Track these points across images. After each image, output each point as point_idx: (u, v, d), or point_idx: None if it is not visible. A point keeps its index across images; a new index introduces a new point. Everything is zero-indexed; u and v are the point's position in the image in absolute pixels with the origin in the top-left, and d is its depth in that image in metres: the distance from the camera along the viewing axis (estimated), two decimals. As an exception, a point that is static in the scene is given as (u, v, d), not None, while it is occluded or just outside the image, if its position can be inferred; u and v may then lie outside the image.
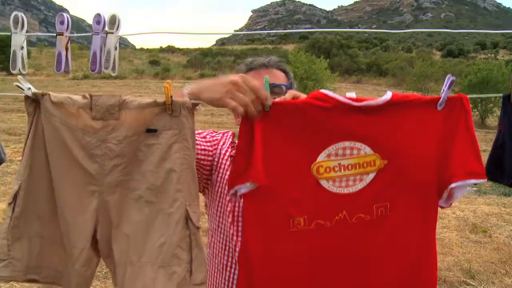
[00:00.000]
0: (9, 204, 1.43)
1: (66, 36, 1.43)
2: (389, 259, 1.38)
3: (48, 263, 1.47)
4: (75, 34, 1.52)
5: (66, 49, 1.44)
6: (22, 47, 1.44)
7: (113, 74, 1.49)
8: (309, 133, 1.34)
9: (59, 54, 1.43)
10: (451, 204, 1.43)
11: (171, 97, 1.34)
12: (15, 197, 1.42)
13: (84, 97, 1.39)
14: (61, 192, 1.40)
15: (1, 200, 6.57)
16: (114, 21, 1.41)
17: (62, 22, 1.41)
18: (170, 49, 78.81)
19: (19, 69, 1.44)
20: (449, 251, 5.40)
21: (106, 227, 1.40)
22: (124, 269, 1.37)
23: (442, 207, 1.43)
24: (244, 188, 1.29)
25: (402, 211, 1.38)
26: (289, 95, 1.36)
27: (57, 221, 1.43)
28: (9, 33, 1.44)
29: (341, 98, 1.33)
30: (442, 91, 1.37)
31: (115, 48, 1.44)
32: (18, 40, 1.43)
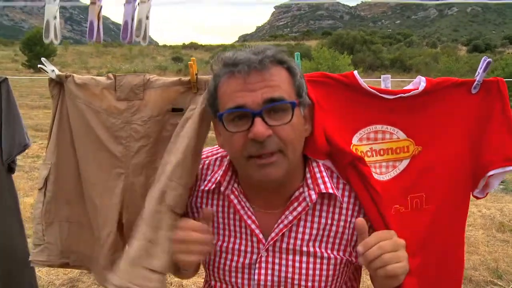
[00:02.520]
0: (40, 189, 1.44)
1: (98, 6, 1.44)
2: (421, 253, 1.34)
3: (76, 248, 1.48)
4: (108, 4, 1.52)
5: (98, 18, 1.44)
6: (55, 17, 1.45)
7: (144, 44, 1.47)
8: (343, 114, 1.30)
9: (91, 23, 1.43)
10: (487, 194, 1.38)
11: (196, 74, 1.31)
12: (45, 182, 1.44)
13: (108, 77, 1.40)
14: (87, 175, 1.40)
15: (28, 194, 6.70)
16: None
17: None
18: (193, 46, 79.39)
19: (52, 39, 1.45)
20: (475, 250, 5.28)
21: (131, 210, 1.39)
22: None
23: (477, 198, 1.38)
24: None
25: (438, 204, 1.33)
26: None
27: (84, 205, 1.44)
28: (43, 3, 1.46)
29: (375, 92, 1.31)
30: (477, 73, 1.32)
31: (147, 18, 1.43)
32: (52, 10, 1.44)
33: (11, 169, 1.80)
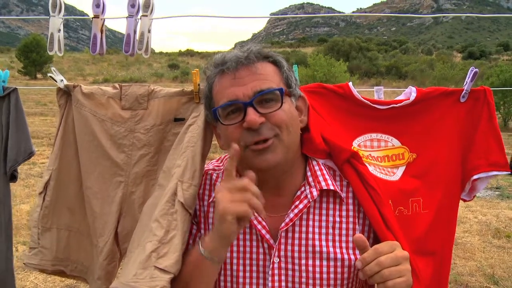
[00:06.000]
0: (40, 193, 1.47)
1: (101, 19, 1.48)
2: (422, 256, 1.36)
3: (75, 257, 1.50)
4: (111, 17, 1.55)
5: (101, 31, 1.49)
6: (59, 30, 1.50)
7: (146, 56, 1.52)
8: (339, 122, 1.35)
9: (95, 37, 1.48)
10: (474, 196, 1.43)
11: (199, 85, 1.34)
12: (45, 187, 1.46)
13: (114, 87, 1.44)
14: (89, 183, 1.43)
15: (25, 201, 6.67)
16: (148, 5, 1.45)
17: (98, 5, 1.47)
18: (189, 53, 79.56)
19: (56, 51, 1.50)
20: (471, 256, 5.30)
21: (127, 220, 1.42)
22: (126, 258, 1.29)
23: (464, 200, 1.43)
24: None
25: (435, 208, 1.37)
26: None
27: (85, 213, 1.46)
28: (47, 17, 1.50)
29: (368, 102, 1.36)
30: (465, 83, 1.38)
31: (149, 31, 1.47)
32: (56, 23, 1.49)
33: (13, 177, 1.80)
